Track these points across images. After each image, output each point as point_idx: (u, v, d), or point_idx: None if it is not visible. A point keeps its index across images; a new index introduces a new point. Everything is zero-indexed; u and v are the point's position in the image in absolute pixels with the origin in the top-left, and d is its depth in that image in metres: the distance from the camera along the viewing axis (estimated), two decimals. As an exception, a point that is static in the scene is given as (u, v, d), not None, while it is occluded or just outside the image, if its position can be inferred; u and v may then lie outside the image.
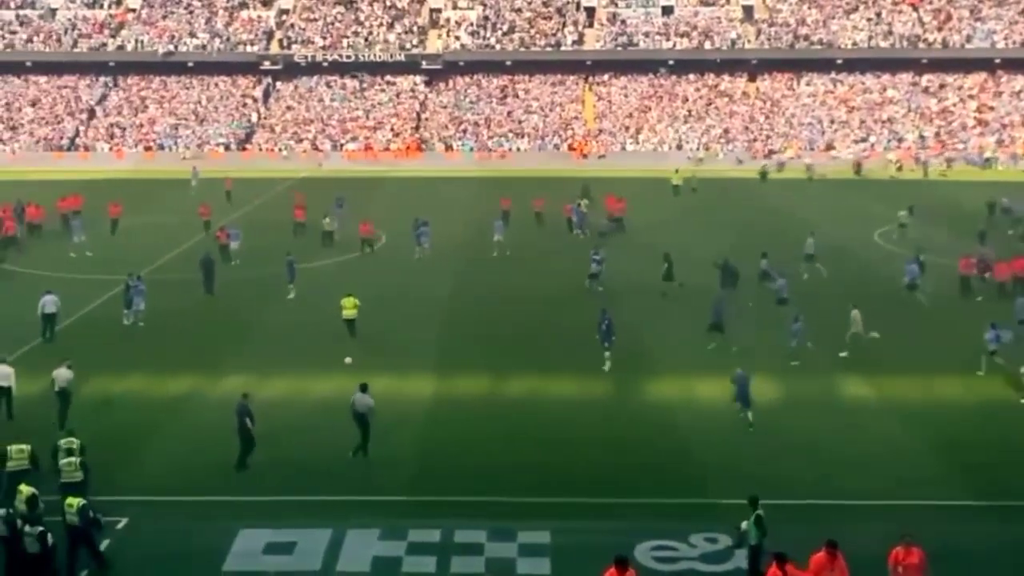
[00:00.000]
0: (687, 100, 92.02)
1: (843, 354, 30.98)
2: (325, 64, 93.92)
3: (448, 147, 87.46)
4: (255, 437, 23.42)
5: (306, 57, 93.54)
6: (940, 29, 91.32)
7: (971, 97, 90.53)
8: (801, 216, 53.99)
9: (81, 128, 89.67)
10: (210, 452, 24.00)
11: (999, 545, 19.79)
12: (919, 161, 78.07)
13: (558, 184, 64.40)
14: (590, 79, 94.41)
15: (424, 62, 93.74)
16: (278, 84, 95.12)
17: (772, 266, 39.33)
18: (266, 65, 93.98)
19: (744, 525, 18.20)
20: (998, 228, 50.05)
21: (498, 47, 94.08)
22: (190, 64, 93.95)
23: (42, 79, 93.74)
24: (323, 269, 43.58)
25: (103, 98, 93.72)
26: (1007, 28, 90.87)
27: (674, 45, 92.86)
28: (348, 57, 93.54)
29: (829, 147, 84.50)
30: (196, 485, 22.29)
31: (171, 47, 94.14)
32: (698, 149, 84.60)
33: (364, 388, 24.50)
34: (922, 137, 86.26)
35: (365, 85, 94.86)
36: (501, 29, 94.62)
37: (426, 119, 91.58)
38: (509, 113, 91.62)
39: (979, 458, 23.93)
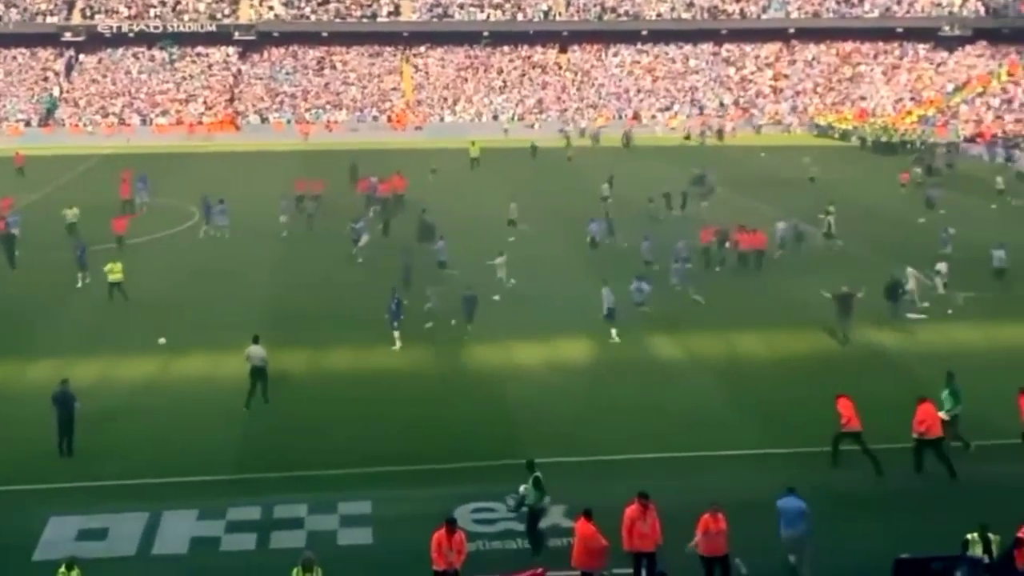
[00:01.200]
0: (502, 71, 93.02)
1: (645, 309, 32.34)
2: (131, 35, 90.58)
3: (264, 119, 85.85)
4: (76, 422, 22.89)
5: (111, 28, 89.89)
6: (738, 1, 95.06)
7: (768, 66, 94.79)
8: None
9: None
10: (15, 441, 23.24)
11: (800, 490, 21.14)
12: (706, 128, 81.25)
13: (375, 157, 64.13)
14: (407, 50, 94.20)
15: (236, 32, 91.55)
16: (81, 56, 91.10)
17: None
18: (67, 36, 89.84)
19: (523, 488, 18.49)
20: (691, 196, 50.75)
21: (313, 17, 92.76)
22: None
23: None
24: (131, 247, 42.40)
25: None
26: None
27: (488, 17, 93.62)
28: (156, 27, 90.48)
29: (636, 116, 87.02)
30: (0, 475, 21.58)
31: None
32: (512, 119, 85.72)
33: (256, 340, 25.69)
34: (722, 104, 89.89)
35: (175, 57, 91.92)
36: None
37: (240, 91, 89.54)
38: (327, 85, 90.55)
39: (775, 409, 25.45)
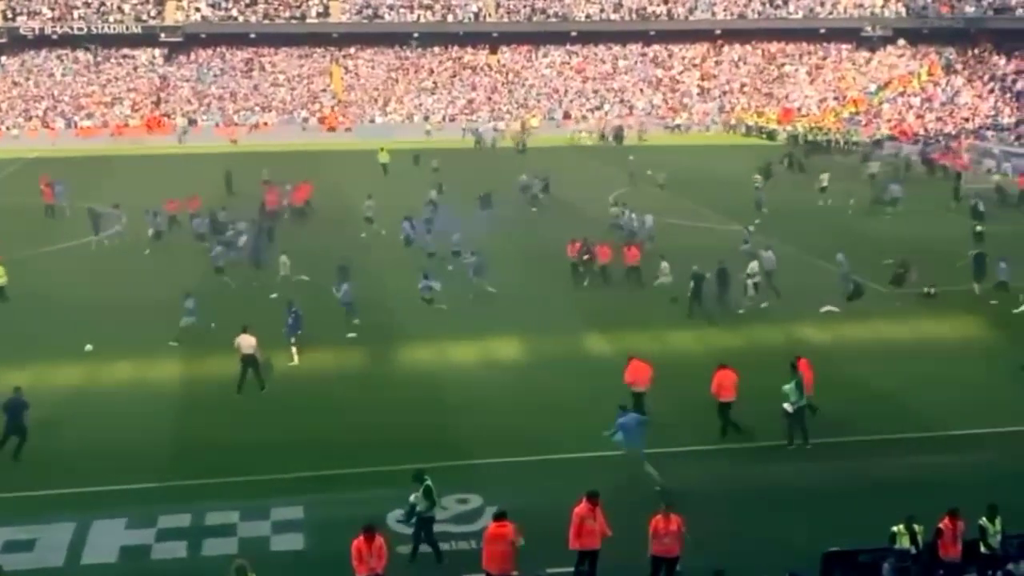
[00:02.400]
0: (432, 72, 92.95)
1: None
2: (55, 36, 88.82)
3: (192, 122, 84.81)
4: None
5: (33, 29, 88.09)
6: (666, 2, 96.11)
7: (695, 66, 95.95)
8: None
9: None
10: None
11: (731, 483, 21.55)
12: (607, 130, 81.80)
13: (302, 160, 63.73)
14: (337, 52, 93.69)
15: (163, 34, 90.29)
16: (2, 58, 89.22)
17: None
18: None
19: (413, 498, 18.43)
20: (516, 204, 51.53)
21: (241, 19, 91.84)
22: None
23: None
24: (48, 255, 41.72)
25: None
26: (726, 0, 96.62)
27: (418, 18, 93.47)
28: (80, 29, 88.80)
29: (567, 116, 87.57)
30: None
31: None
32: (430, 120, 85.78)
33: (245, 329, 26.60)
34: (652, 104, 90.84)
35: (99, 59, 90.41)
36: (243, 0, 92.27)
37: (167, 94, 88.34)
38: (255, 87, 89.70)
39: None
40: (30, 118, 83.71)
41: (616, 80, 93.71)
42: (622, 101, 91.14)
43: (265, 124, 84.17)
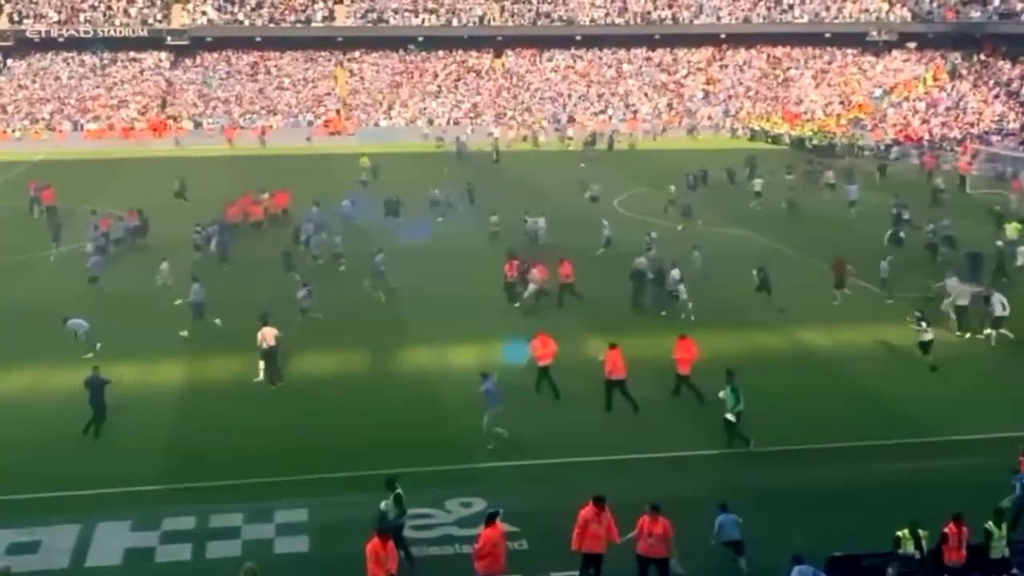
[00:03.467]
0: (437, 76, 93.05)
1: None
2: (61, 40, 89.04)
3: (198, 125, 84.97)
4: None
5: (39, 32, 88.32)
6: (671, 6, 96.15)
7: (699, 70, 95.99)
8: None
9: None
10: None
11: (730, 488, 21.48)
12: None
13: (297, 163, 63.75)
14: (342, 55, 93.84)
15: (169, 37, 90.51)
16: (9, 61, 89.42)
17: None
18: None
19: (384, 505, 18.34)
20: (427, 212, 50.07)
21: (247, 22, 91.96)
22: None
23: None
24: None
25: None
26: (730, 5, 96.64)
27: (423, 22, 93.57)
28: (86, 32, 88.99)
29: (571, 120, 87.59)
30: None
31: None
32: (431, 124, 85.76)
33: (266, 321, 27.48)
34: (656, 108, 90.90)
35: (106, 62, 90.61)
36: (249, 4, 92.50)
37: (173, 97, 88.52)
38: (261, 90, 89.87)
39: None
40: (36, 121, 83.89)
41: (621, 84, 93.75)
42: (627, 105, 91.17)
43: (270, 127, 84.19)
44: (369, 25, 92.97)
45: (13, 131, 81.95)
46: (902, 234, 43.10)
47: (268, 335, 27.38)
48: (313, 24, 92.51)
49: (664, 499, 17.57)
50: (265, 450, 23.37)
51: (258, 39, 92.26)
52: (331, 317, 32.61)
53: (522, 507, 20.21)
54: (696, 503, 19.00)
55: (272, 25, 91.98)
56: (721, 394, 23.16)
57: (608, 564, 17.17)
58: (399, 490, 18.35)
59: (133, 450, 23.42)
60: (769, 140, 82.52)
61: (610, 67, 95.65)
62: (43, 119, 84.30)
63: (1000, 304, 30.68)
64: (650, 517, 17.03)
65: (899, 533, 17.07)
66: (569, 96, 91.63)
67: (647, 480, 21.13)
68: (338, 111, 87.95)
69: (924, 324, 28.70)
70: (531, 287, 34.34)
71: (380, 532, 16.70)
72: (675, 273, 34.11)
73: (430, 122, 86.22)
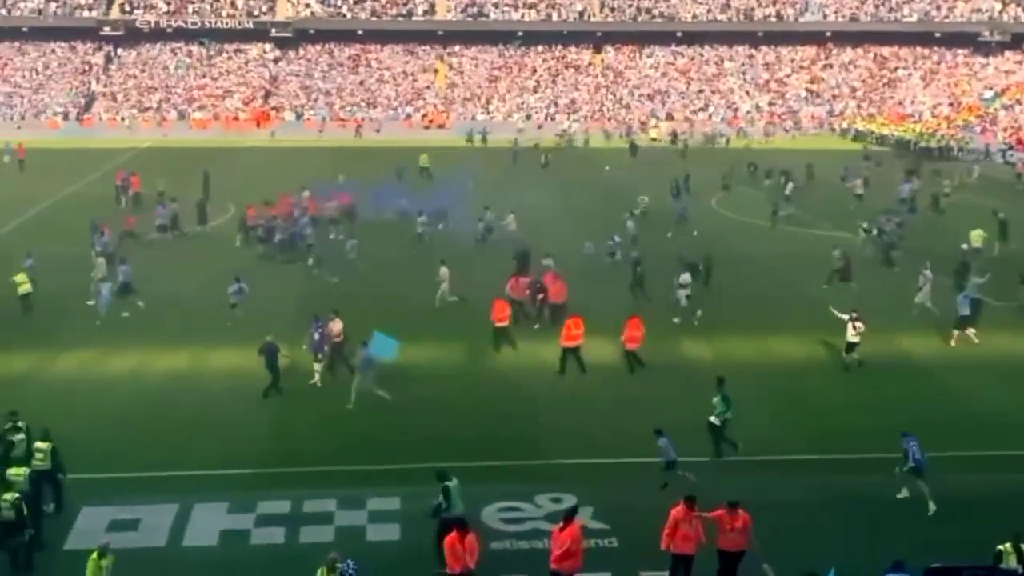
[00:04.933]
0: (535, 71, 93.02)
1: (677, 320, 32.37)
2: (169, 30, 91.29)
3: (300, 116, 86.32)
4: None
5: (149, 23, 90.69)
6: (775, 3, 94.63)
7: (803, 69, 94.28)
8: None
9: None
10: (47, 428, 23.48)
11: (828, 494, 21.05)
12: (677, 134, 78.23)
13: (379, 155, 63.96)
14: (442, 49, 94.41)
15: (273, 30, 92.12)
16: (119, 51, 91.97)
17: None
18: (106, 31, 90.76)
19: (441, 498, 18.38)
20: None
21: (349, 15, 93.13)
22: (25, 29, 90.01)
23: None
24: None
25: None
26: (837, 2, 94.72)
27: (523, 16, 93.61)
28: (194, 24, 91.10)
29: (669, 117, 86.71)
30: None
31: (3, 11, 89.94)
32: (526, 119, 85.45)
33: (337, 313, 27.69)
34: (757, 107, 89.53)
35: (212, 53, 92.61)
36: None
37: (276, 88, 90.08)
38: (361, 82, 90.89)
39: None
40: (144, 109, 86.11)
41: (721, 82, 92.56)
42: (727, 104, 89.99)
43: (368, 120, 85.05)
44: (469, 19, 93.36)
45: (122, 119, 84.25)
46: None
47: (334, 328, 27.40)
48: (414, 18, 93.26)
49: (757, 503, 17.27)
50: (359, 439, 23.58)
51: (360, 32, 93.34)
52: (416, 312, 32.77)
53: (612, 505, 20.18)
54: (788, 507, 18.57)
55: (374, 18, 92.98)
56: (715, 400, 22.84)
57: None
58: (447, 483, 18.34)
59: (231, 434, 23.84)
60: (874, 142, 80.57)
61: (711, 64, 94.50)
62: (151, 108, 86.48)
63: None
64: (729, 512, 16.98)
65: (1001, 547, 16.54)
66: (668, 93, 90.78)
67: (739, 482, 20.75)
68: (436, 105, 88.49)
69: (859, 325, 28.08)
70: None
71: (459, 526, 16.73)
72: (688, 276, 33.43)
73: (527, 117, 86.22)
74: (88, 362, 28.86)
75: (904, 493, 20.57)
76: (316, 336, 26.91)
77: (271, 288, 35.23)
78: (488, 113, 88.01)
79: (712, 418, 22.77)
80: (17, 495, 17.81)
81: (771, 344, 30.84)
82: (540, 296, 32.20)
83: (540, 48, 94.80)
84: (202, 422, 24.47)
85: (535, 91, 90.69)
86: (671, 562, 17.15)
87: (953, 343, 30.68)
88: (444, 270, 34.03)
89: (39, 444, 19.76)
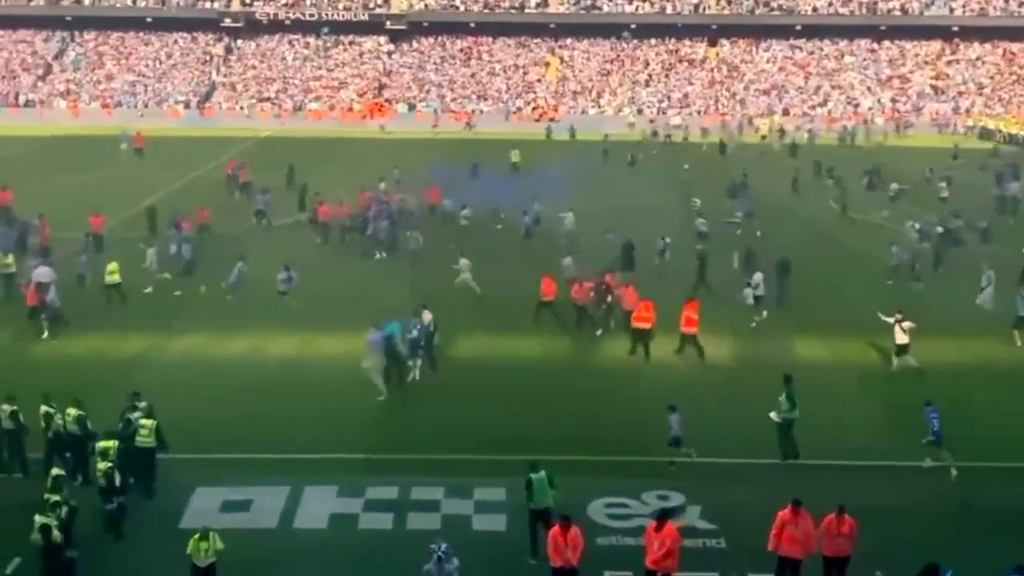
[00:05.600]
0: (647, 64, 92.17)
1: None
2: (287, 22, 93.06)
3: (412, 108, 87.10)
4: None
5: (268, 15, 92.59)
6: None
7: (927, 64, 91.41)
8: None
9: (40, 83, 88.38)
10: (164, 410, 23.98)
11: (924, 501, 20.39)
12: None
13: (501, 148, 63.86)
14: (553, 42, 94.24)
15: (388, 22, 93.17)
16: (239, 42, 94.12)
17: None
18: (227, 22, 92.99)
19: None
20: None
21: (462, 8, 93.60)
22: (149, 20, 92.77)
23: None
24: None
25: (60, 53, 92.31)
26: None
27: (636, 9, 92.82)
28: (311, 16, 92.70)
29: (786, 113, 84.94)
30: None
31: (128, 1, 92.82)
32: (639, 114, 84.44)
33: (425, 305, 27.92)
34: (879, 103, 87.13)
35: (328, 44, 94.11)
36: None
37: (389, 80, 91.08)
38: (473, 75, 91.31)
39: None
40: (263, 99, 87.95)
41: (842, 77, 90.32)
42: (847, 99, 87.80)
43: (479, 113, 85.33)
44: (582, 12, 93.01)
45: (241, 108, 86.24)
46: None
47: (426, 319, 27.49)
48: (527, 11, 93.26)
49: (866, 509, 16.98)
50: (465, 429, 23.62)
51: (472, 25, 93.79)
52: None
53: (720, 504, 19.90)
54: (896, 512, 18.17)
55: (486, 11, 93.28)
56: (781, 398, 22.29)
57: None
58: (531, 475, 18.28)
59: (340, 419, 24.12)
60: (1003, 140, 77.56)
61: (831, 59, 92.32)
62: (269, 98, 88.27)
63: None
64: (837, 517, 16.73)
65: None
66: (785, 88, 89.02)
67: (850, 488, 20.17)
68: (546, 98, 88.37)
69: (906, 325, 27.01)
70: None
71: (562, 519, 16.64)
72: (760, 275, 32.55)
73: (639, 111, 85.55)
74: (203, 345, 29.56)
75: (928, 463, 21.48)
76: (415, 333, 26.81)
77: (364, 279, 35.76)
78: (599, 107, 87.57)
79: (773, 415, 22.34)
80: (110, 464, 18.53)
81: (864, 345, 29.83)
82: (607, 300, 30.75)
83: (653, 41, 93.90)
84: (312, 407, 24.80)
85: (647, 85, 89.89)
86: (777, 565, 16.88)
87: (1019, 343, 29.67)
88: (464, 261, 34.55)
89: (143, 421, 20.39)
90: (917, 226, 40.91)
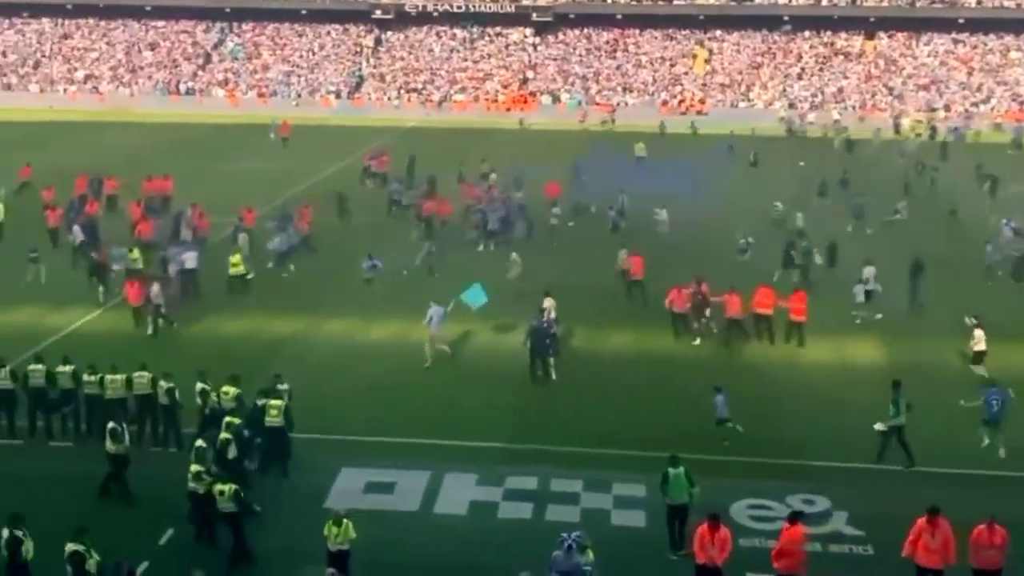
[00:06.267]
0: (801, 58, 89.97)
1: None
2: (436, 14, 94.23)
3: (555, 99, 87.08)
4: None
5: (417, 7, 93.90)
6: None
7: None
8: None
9: (199, 73, 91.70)
10: (314, 392, 24.58)
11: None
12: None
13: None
14: (702, 34, 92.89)
15: (534, 14, 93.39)
16: (388, 33, 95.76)
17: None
18: (377, 14, 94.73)
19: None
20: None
21: (609, 0, 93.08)
22: (303, 12, 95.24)
23: (160, 23, 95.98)
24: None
25: (219, 43, 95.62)
26: None
27: (790, 1, 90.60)
28: (459, 7, 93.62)
29: (947, 109, 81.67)
30: (301, 422, 22.29)
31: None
32: (791, 109, 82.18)
33: (548, 293, 28.42)
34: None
35: (475, 36, 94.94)
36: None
37: (534, 72, 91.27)
38: (618, 67, 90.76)
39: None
40: (410, 90, 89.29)
41: (1007, 72, 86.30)
42: (1012, 96, 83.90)
43: (624, 104, 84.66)
44: (733, 3, 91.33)
45: (389, 99, 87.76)
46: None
47: (548, 306, 27.83)
48: (675, 2, 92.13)
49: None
50: (604, 423, 23.50)
51: (619, 16, 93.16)
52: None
53: (869, 512, 19.39)
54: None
55: (634, 3, 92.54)
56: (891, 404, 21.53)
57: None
58: (667, 469, 18.08)
59: (482, 408, 24.30)
60: None
61: (996, 53, 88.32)
62: (416, 89, 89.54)
63: None
64: (988, 528, 16.22)
65: None
66: (946, 84, 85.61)
67: (998, 497, 19.42)
68: (693, 91, 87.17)
69: (978, 332, 25.67)
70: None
71: (711, 518, 16.48)
72: (871, 271, 31.62)
73: (790, 105, 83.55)
74: (350, 330, 30.14)
75: (986, 441, 22.08)
76: (546, 326, 26.68)
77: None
78: (748, 101, 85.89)
79: (878, 425, 21.65)
80: (227, 437, 19.53)
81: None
82: (705, 310, 29.29)
83: (807, 34, 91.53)
84: (455, 394, 25.07)
85: (799, 78, 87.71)
86: (916, 575, 16.43)
87: None
88: (514, 255, 34.47)
89: (272, 402, 20.92)
90: (1013, 224, 38.78)
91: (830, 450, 22.24)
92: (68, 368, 22.52)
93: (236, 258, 33.71)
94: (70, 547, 15.90)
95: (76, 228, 37.32)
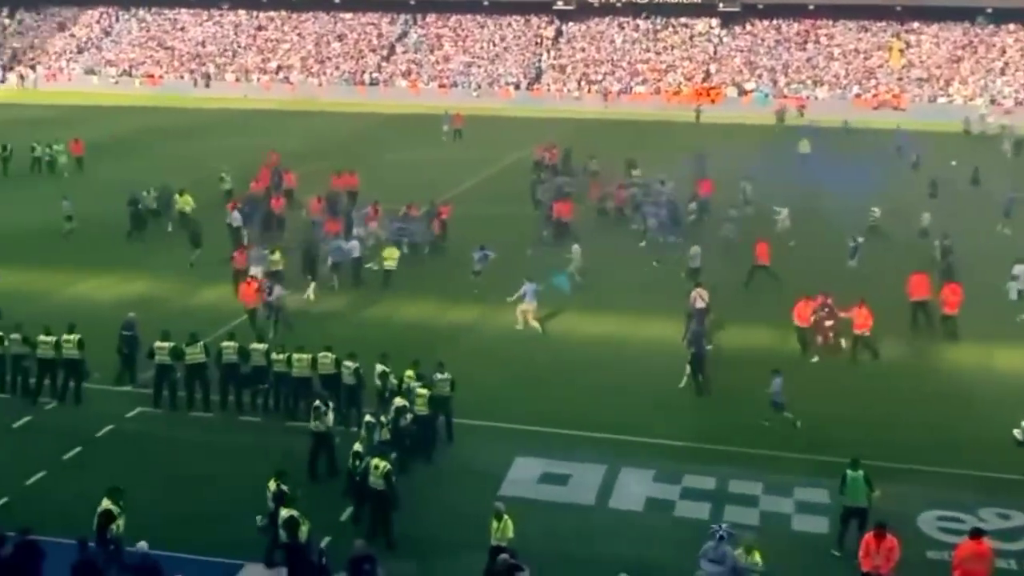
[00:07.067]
0: (1004, 51, 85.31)
1: None
2: (619, 4, 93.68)
3: (741, 92, 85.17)
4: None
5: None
6: None
7: None
8: None
9: (383, 64, 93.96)
10: (486, 377, 24.74)
11: None
12: None
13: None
14: (899, 26, 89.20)
15: (721, 4, 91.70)
16: (569, 24, 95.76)
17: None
18: (559, 5, 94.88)
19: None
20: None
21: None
22: (485, 3, 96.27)
23: (348, 16, 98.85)
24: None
25: (402, 35, 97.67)
26: None
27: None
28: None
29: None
30: (475, 410, 22.61)
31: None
32: (991, 104, 77.63)
33: (698, 284, 28.53)
34: None
35: (657, 27, 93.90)
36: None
37: (719, 64, 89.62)
38: (809, 59, 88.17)
39: None
40: (590, 82, 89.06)
41: None
42: None
43: (814, 99, 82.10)
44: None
45: (568, 90, 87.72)
46: None
47: (699, 296, 27.68)
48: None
49: None
50: (779, 427, 22.65)
51: (811, 7, 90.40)
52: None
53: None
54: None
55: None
56: None
57: None
58: (849, 471, 17.57)
59: (655, 403, 23.92)
60: None
61: None
62: (595, 80, 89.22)
63: None
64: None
65: None
66: None
67: None
68: (888, 85, 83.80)
69: None
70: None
71: (878, 526, 16.12)
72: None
73: (992, 101, 79.32)
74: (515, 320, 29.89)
75: None
76: (695, 326, 26.34)
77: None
78: (947, 96, 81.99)
79: (1017, 432, 20.98)
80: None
81: None
82: (829, 324, 27.58)
83: (1012, 27, 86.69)
84: (627, 388, 24.74)
85: (1002, 73, 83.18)
86: None
87: None
88: (576, 248, 33.84)
89: (419, 390, 21.10)
90: None
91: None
92: (262, 346, 23.33)
93: (389, 251, 33.67)
94: (104, 504, 16.27)
95: (235, 214, 37.13)
